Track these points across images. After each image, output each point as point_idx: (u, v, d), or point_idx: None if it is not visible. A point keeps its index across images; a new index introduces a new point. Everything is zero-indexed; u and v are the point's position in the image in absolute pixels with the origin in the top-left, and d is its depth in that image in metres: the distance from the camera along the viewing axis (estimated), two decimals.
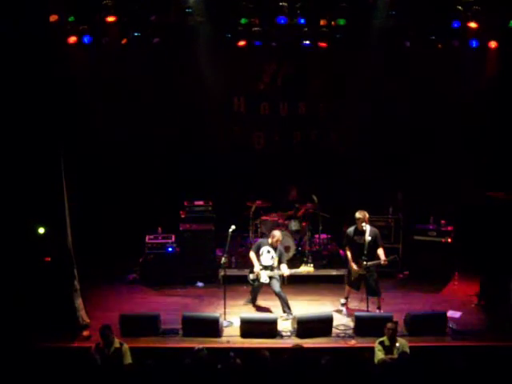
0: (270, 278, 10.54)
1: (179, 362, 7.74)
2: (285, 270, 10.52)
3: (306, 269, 10.60)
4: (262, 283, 10.58)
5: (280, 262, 10.62)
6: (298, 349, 8.06)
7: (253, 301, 10.89)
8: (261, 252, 10.67)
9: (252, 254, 10.73)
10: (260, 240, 11.09)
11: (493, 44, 12.09)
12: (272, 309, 10.75)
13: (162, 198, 13.26)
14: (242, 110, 14.25)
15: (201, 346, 8.08)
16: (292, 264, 11.33)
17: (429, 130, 13.42)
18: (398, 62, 13.39)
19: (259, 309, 10.82)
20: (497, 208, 10.72)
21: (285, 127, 14.28)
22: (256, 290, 10.79)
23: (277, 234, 10.68)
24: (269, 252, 10.65)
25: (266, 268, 10.59)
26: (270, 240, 10.68)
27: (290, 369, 7.57)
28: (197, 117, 13.77)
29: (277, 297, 10.50)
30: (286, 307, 10.43)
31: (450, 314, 10.31)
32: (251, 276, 10.64)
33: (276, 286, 10.51)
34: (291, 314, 10.34)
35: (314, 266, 12.01)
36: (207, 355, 7.76)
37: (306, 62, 13.80)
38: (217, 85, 13.60)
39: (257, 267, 10.56)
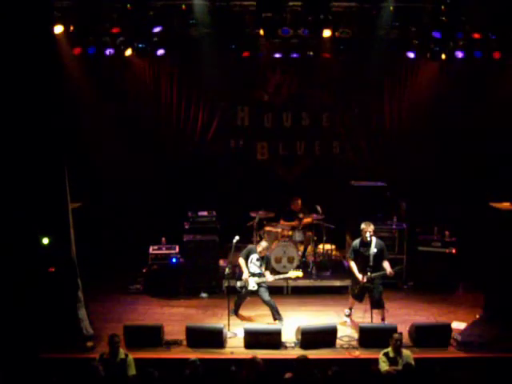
0: (258, 285, 10.50)
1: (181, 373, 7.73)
2: (268, 276, 10.51)
3: (295, 273, 10.62)
4: (250, 291, 10.51)
5: (265, 269, 10.64)
6: (303, 360, 8.03)
7: (235, 311, 10.75)
8: (250, 259, 10.63)
9: (242, 261, 10.64)
10: (250, 246, 10.96)
11: (497, 55, 12.09)
12: (256, 319, 10.72)
13: (166, 209, 13.27)
14: (245, 120, 14.27)
15: (193, 357, 8.03)
16: None
17: (432, 137, 13.45)
18: (402, 72, 13.49)
19: (243, 319, 10.71)
20: (501, 218, 10.68)
21: (289, 138, 14.28)
22: (241, 298, 10.71)
23: (264, 244, 10.71)
24: (258, 260, 10.63)
25: (253, 275, 10.54)
26: (258, 249, 10.68)
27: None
28: (200, 127, 13.85)
29: (266, 305, 10.47)
30: (277, 314, 10.42)
31: (455, 325, 10.27)
32: (239, 283, 10.54)
33: (264, 294, 10.47)
34: (282, 319, 10.37)
35: (318, 277, 12.12)
36: (202, 366, 7.74)
37: (309, 72, 13.80)
38: (220, 95, 13.69)
39: (246, 274, 10.51)
